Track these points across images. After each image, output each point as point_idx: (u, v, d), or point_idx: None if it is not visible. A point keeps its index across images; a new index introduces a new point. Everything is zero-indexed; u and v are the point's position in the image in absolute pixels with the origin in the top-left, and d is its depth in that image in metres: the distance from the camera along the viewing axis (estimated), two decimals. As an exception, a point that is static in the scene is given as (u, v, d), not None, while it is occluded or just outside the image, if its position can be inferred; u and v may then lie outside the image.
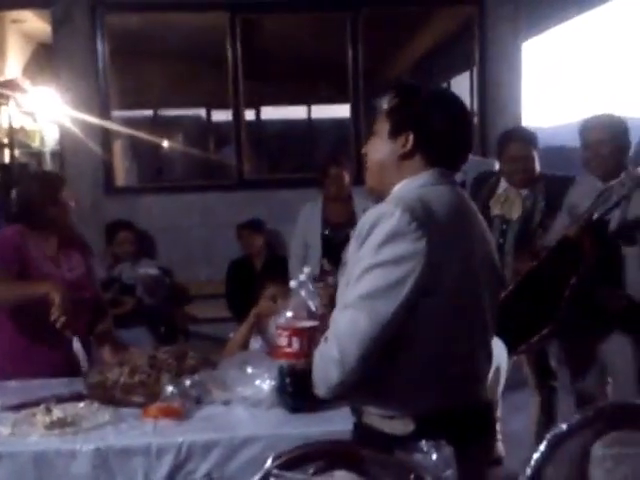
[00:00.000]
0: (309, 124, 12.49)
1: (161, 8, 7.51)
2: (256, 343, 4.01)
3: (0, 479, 2.74)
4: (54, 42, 7.22)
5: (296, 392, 2.95)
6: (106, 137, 7.28)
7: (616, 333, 4.17)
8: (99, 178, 7.27)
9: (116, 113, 7.59)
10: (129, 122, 8.30)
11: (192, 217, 7.36)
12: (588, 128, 4.24)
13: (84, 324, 3.93)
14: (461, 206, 2.41)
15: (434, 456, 1.96)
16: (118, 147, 7.88)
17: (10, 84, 8.20)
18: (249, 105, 8.52)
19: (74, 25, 7.08)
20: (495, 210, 4.70)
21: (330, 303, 2.84)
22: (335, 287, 2.64)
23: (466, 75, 8.39)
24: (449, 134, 2.41)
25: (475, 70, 7.83)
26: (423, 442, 2.00)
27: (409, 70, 10.57)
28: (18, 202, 4.09)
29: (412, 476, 1.91)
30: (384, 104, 2.51)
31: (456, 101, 2.49)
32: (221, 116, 10.30)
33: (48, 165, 9.10)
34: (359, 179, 6.17)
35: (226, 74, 7.46)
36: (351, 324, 2.20)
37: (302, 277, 3.12)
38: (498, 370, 3.13)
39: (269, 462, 1.99)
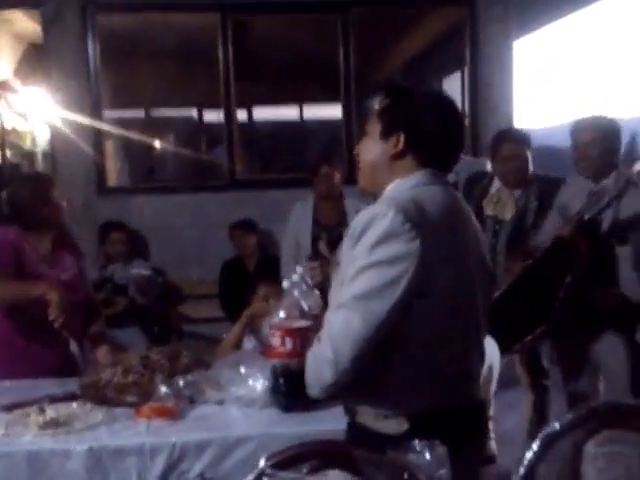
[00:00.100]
0: (300, 124, 12.48)
1: (152, 8, 7.49)
2: (249, 343, 4.02)
3: (-5, 479, 2.75)
4: (45, 42, 7.19)
5: (289, 392, 2.96)
6: (98, 137, 7.27)
7: (609, 333, 4.19)
8: (91, 178, 7.25)
9: (108, 113, 7.57)
10: (121, 122, 8.27)
11: (184, 217, 7.35)
12: (578, 130, 4.26)
13: (77, 325, 3.93)
14: (454, 206, 2.41)
15: (427, 455, 1.96)
16: (110, 147, 7.87)
17: (1, 85, 8.17)
18: (241, 105, 8.51)
19: (64, 25, 7.05)
20: (488, 210, 4.71)
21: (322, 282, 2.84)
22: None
23: (457, 76, 8.41)
24: (440, 134, 2.41)
25: (466, 71, 7.85)
26: (416, 442, 2.01)
27: (400, 71, 10.57)
28: (9, 203, 4.09)
29: (406, 475, 1.91)
30: (375, 105, 2.51)
31: (447, 101, 2.49)
32: (213, 116, 10.29)
33: (40, 166, 9.06)
34: (351, 179, 6.20)
35: (217, 75, 7.45)
36: (345, 324, 2.20)
37: (295, 277, 3.12)
38: (491, 369, 3.15)
39: (262, 462, 1.99)
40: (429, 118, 2.40)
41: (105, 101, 7.49)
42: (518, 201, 4.67)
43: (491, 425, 4.72)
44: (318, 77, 8.87)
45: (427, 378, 2.31)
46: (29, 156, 9.21)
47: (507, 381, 4.31)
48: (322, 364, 2.23)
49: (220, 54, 7.37)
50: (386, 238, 2.19)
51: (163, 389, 3.09)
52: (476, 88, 7.69)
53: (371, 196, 2.52)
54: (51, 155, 7.75)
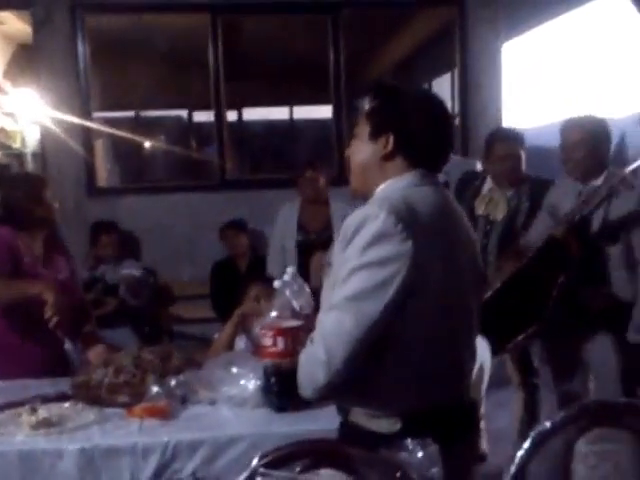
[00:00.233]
0: (290, 124, 12.50)
1: (142, 9, 7.51)
2: (241, 342, 4.02)
3: (-13, 478, 2.75)
4: (34, 43, 7.19)
5: (281, 391, 2.96)
6: (88, 138, 7.27)
7: (599, 332, 4.20)
8: (81, 179, 7.25)
9: (97, 114, 7.58)
10: (111, 123, 8.29)
11: (174, 217, 7.35)
12: (566, 130, 4.26)
13: (70, 326, 3.94)
14: (446, 207, 2.42)
15: (420, 454, 1.98)
16: (100, 148, 7.88)
17: (-10, 85, 8.18)
18: (231, 106, 8.52)
19: (54, 26, 7.05)
20: (479, 210, 4.72)
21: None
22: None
23: (447, 77, 8.43)
24: (429, 134, 2.41)
25: (456, 72, 7.87)
26: (409, 440, 2.02)
27: (390, 72, 10.59)
28: (2, 203, 4.09)
29: (398, 474, 1.92)
30: (364, 106, 2.51)
31: (435, 101, 2.49)
32: (202, 117, 10.30)
33: (29, 166, 9.05)
34: (341, 180, 6.21)
35: (208, 75, 7.46)
36: (337, 325, 2.20)
37: (286, 277, 3.14)
38: (482, 368, 3.16)
39: (255, 461, 1.99)
40: (418, 118, 2.39)
41: (95, 102, 7.49)
42: (510, 201, 4.68)
43: (482, 424, 4.73)
44: (308, 78, 8.88)
45: (420, 378, 2.31)
46: (18, 156, 9.20)
47: (498, 380, 4.32)
48: (315, 365, 2.23)
49: (210, 55, 7.38)
50: (378, 239, 2.19)
51: (155, 389, 3.10)
52: (466, 89, 7.72)
53: (360, 198, 2.51)
54: (41, 155, 7.75)
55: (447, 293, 2.31)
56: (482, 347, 3.06)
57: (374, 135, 2.42)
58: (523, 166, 4.72)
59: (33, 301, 3.56)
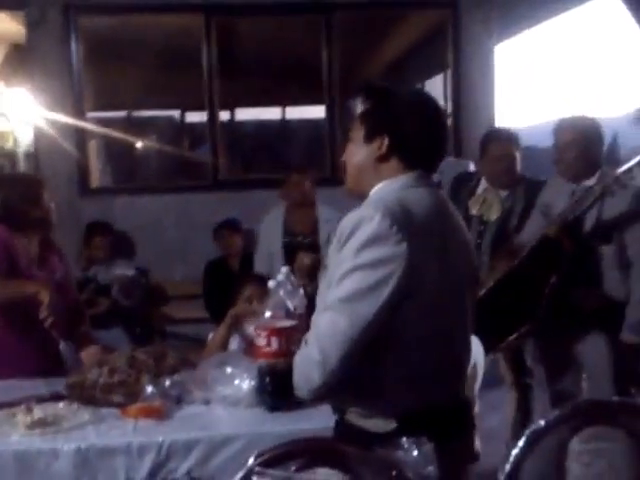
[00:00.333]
0: (283, 124, 12.49)
1: (135, 10, 7.51)
2: (234, 343, 4.03)
3: (-18, 479, 2.75)
4: (28, 43, 7.20)
5: (275, 391, 2.97)
6: (81, 138, 7.27)
7: (592, 332, 4.22)
8: (74, 179, 7.26)
9: (90, 114, 7.57)
10: (104, 123, 8.27)
11: (167, 217, 7.36)
12: (558, 130, 4.27)
13: (65, 326, 3.93)
14: (441, 208, 2.42)
15: (415, 452, 1.99)
16: (93, 148, 7.87)
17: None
18: (224, 106, 8.52)
19: (48, 26, 7.06)
20: (473, 210, 4.72)
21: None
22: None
23: (440, 78, 8.45)
24: (423, 135, 2.41)
25: (449, 72, 7.89)
26: (404, 439, 2.03)
27: (383, 72, 10.59)
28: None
29: (394, 472, 1.93)
30: (357, 108, 2.52)
31: (429, 102, 2.49)
32: (195, 117, 10.29)
33: (22, 166, 9.05)
34: (334, 180, 6.23)
35: (201, 76, 7.46)
36: (331, 326, 2.21)
37: (280, 277, 3.14)
38: (475, 367, 3.17)
39: (251, 460, 2.00)
40: (411, 120, 2.39)
41: (88, 102, 7.49)
42: (504, 202, 4.69)
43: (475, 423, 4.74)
44: (301, 78, 8.89)
45: (416, 377, 2.32)
46: (11, 156, 9.20)
47: (491, 380, 4.33)
48: (310, 366, 2.23)
49: (204, 55, 7.38)
50: (373, 241, 2.20)
51: (150, 389, 3.10)
52: (459, 90, 7.74)
53: (354, 199, 2.52)
54: (34, 155, 7.74)
55: (442, 294, 2.32)
56: (475, 346, 3.08)
57: (368, 137, 2.42)
58: (518, 167, 4.73)
59: (29, 301, 3.56)
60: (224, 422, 3.01)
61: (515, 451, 2.11)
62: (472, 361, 2.86)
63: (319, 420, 2.74)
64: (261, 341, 2.95)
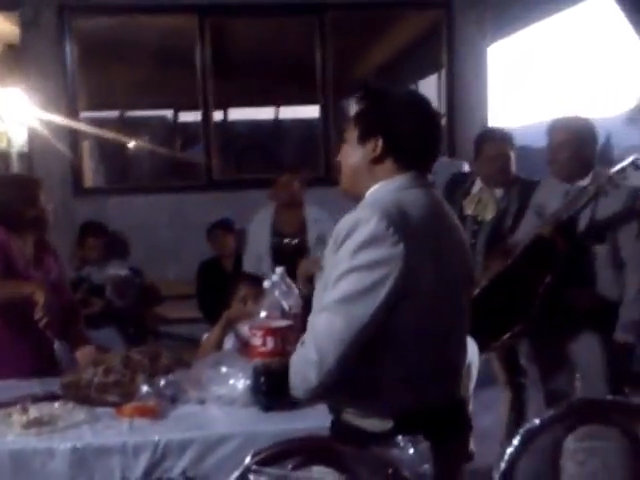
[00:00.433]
0: (277, 124, 12.48)
1: (129, 11, 7.52)
2: (228, 343, 4.03)
3: (-23, 478, 2.75)
4: (22, 44, 7.21)
5: (270, 391, 2.97)
6: (74, 138, 7.27)
7: (585, 332, 4.22)
8: (67, 179, 7.26)
9: (84, 114, 7.58)
10: (97, 123, 8.28)
11: (161, 217, 7.37)
12: (551, 131, 4.28)
13: (60, 327, 3.94)
14: (436, 208, 2.43)
15: (411, 451, 1.99)
16: (86, 148, 7.87)
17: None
18: (218, 107, 8.53)
19: (42, 27, 7.07)
20: (468, 210, 4.73)
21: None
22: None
23: (433, 78, 8.46)
24: (418, 136, 2.42)
25: (443, 72, 7.90)
26: (400, 437, 2.04)
27: (377, 72, 10.61)
28: None
29: (389, 471, 1.94)
30: (351, 109, 2.52)
31: (423, 103, 2.49)
32: (188, 116, 10.29)
33: (15, 166, 9.05)
34: (328, 180, 6.23)
35: (194, 76, 7.47)
36: (328, 327, 2.22)
37: (275, 277, 3.15)
38: (469, 367, 3.18)
39: (248, 458, 2.00)
40: (406, 121, 2.40)
41: (82, 102, 7.50)
42: (499, 202, 4.70)
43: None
44: (295, 79, 8.90)
45: (413, 378, 2.33)
46: (4, 156, 9.19)
47: (485, 379, 4.34)
48: (306, 366, 2.24)
49: (198, 56, 7.39)
50: (370, 243, 2.21)
51: (145, 388, 3.11)
52: (452, 90, 7.76)
53: (349, 200, 2.52)
54: (27, 155, 7.74)
55: (438, 294, 2.33)
56: (470, 346, 3.08)
57: (363, 138, 2.42)
58: (513, 166, 4.74)
59: (24, 301, 3.56)
60: (219, 422, 3.01)
61: (510, 450, 2.12)
62: (467, 361, 2.87)
63: (314, 420, 2.74)
64: (257, 341, 2.96)
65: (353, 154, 2.46)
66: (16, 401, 3.09)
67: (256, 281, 3.82)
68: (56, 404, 3.12)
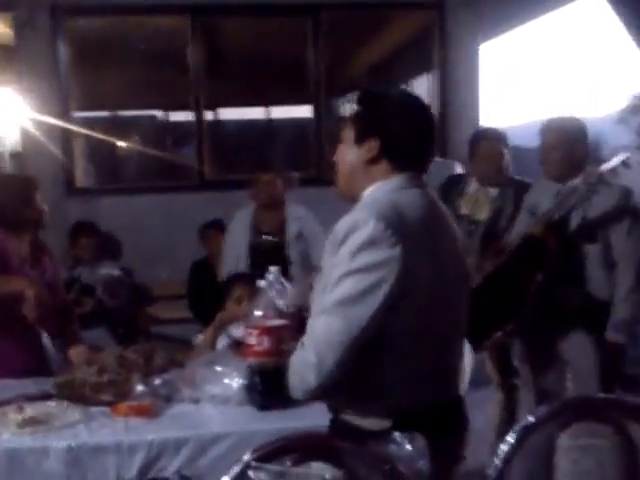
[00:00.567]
0: (269, 124, 12.47)
1: (122, 12, 7.52)
2: (222, 343, 4.04)
3: (-27, 477, 2.75)
4: (15, 45, 7.21)
5: (265, 390, 2.98)
6: (67, 138, 7.27)
7: (577, 331, 4.24)
8: (59, 179, 7.26)
9: (77, 114, 7.57)
10: (89, 123, 8.27)
11: (153, 217, 7.36)
12: (544, 131, 4.30)
13: (54, 326, 3.94)
14: (432, 209, 2.44)
15: (408, 447, 2.01)
16: (79, 148, 7.86)
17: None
18: (210, 107, 8.53)
19: (35, 28, 7.08)
20: (463, 210, 4.75)
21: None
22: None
23: (425, 78, 8.48)
24: (413, 137, 2.43)
25: (435, 73, 7.92)
26: (397, 434, 2.05)
27: (369, 72, 10.62)
28: None
29: (387, 467, 1.95)
30: (347, 110, 2.53)
31: (418, 104, 2.51)
32: (179, 116, 10.27)
33: (7, 166, 9.04)
34: (320, 180, 6.24)
35: (186, 76, 7.47)
36: (327, 329, 2.23)
37: (270, 277, 3.15)
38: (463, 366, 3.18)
39: (247, 455, 2.01)
40: (401, 122, 2.42)
41: (75, 103, 7.50)
42: (494, 202, 4.71)
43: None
44: (288, 79, 8.90)
45: (411, 378, 2.34)
46: (-4, 156, 9.18)
47: (477, 380, 4.35)
48: (305, 368, 2.25)
49: (190, 56, 7.39)
50: (368, 245, 2.21)
51: (140, 388, 3.11)
52: (444, 90, 7.78)
53: (347, 201, 2.53)
54: (20, 156, 7.73)
55: (436, 294, 2.34)
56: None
57: (359, 140, 2.44)
58: (507, 165, 4.76)
59: (14, 299, 3.56)
60: (214, 421, 3.02)
61: (504, 447, 2.13)
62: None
63: (309, 419, 2.75)
64: (252, 340, 2.95)
65: (349, 155, 2.47)
66: (11, 400, 3.10)
67: (251, 281, 3.82)
68: (52, 403, 3.13)
